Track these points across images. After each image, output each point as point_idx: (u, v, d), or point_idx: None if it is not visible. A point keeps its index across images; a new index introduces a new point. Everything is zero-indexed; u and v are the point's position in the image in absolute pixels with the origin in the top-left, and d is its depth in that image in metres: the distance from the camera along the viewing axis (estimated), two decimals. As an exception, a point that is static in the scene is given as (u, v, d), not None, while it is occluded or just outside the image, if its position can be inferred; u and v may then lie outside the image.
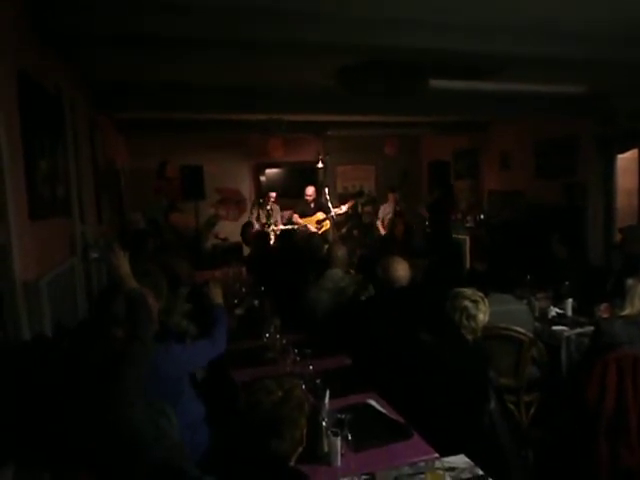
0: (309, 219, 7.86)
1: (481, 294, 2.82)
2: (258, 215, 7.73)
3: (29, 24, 2.81)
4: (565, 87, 5.13)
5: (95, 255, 3.22)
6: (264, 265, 5.49)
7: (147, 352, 2.01)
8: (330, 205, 7.96)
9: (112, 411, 1.76)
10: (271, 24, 3.19)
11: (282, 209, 8.40)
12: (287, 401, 1.71)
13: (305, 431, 1.78)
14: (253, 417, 1.72)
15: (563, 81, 5.00)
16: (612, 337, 2.86)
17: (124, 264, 2.36)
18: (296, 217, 7.91)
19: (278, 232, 7.48)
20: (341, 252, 4.06)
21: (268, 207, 7.72)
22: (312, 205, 7.91)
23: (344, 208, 8.14)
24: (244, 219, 8.31)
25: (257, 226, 7.61)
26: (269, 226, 7.56)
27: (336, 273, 3.97)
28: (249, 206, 8.39)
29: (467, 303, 2.73)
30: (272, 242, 7.26)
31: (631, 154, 6.18)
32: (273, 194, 7.95)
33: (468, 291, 2.81)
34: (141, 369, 1.92)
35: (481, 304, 2.75)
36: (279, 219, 7.91)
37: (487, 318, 2.78)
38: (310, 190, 7.92)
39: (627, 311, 2.98)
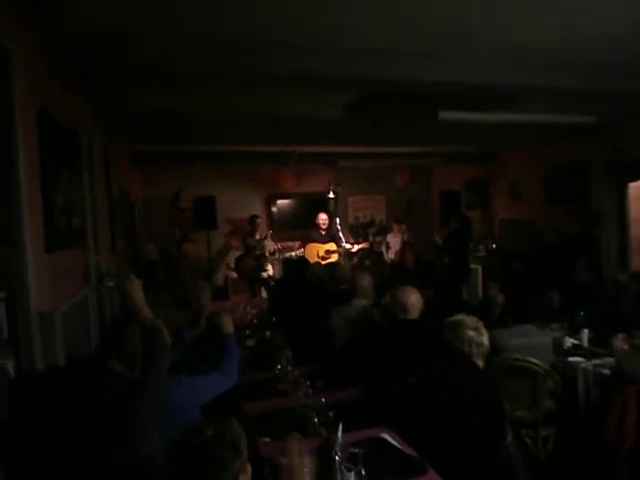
0: (317, 246, 7.82)
1: (476, 319, 2.79)
2: (248, 246, 7.64)
3: (49, 61, 2.90)
4: (575, 117, 5.17)
5: (111, 283, 3.25)
6: (279, 295, 5.47)
7: (162, 384, 2.00)
8: (342, 235, 7.95)
9: (126, 443, 1.75)
10: (284, 57, 3.28)
11: (293, 240, 8.43)
12: (217, 440, 1.47)
13: (243, 477, 1.51)
14: (176, 461, 1.48)
15: (573, 111, 5.05)
16: (635, 376, 2.78)
17: (139, 292, 2.38)
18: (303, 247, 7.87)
19: (278, 260, 7.44)
20: (367, 282, 4.03)
21: (257, 237, 7.65)
22: (324, 233, 7.87)
23: (356, 247, 8.12)
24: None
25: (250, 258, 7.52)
26: (264, 256, 7.51)
27: (361, 303, 3.94)
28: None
29: (470, 332, 2.70)
30: (271, 272, 7.23)
31: (643, 183, 6.17)
32: (259, 220, 7.90)
33: (466, 319, 2.76)
34: (157, 401, 1.90)
35: (482, 329, 2.72)
36: (271, 246, 7.83)
37: (488, 340, 2.74)
38: (323, 216, 7.90)
39: None
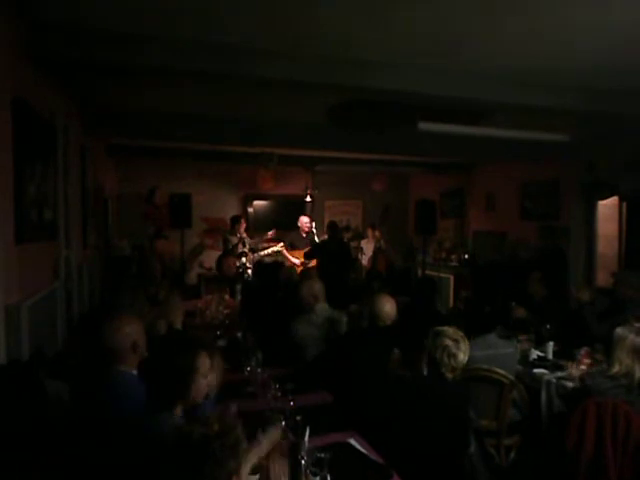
0: (299, 252, 7.79)
1: (462, 334, 2.82)
2: (228, 244, 7.60)
3: (26, 52, 2.85)
4: (549, 135, 5.30)
5: None
6: (252, 296, 5.45)
7: None
8: (317, 240, 7.95)
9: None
10: (268, 62, 3.28)
11: (269, 241, 8.39)
12: (220, 437, 1.50)
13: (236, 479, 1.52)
14: (178, 450, 1.51)
15: (548, 129, 5.17)
16: (596, 389, 2.84)
17: None
18: (281, 246, 7.83)
19: (255, 262, 7.37)
20: (318, 286, 4.05)
21: (239, 235, 7.59)
22: (305, 235, 7.83)
23: None
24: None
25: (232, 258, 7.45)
26: (246, 255, 7.47)
27: (324, 308, 3.97)
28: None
29: (448, 342, 2.73)
30: (251, 273, 7.18)
31: (612, 201, 6.35)
32: (243, 221, 7.77)
33: (450, 330, 2.81)
34: None
35: (462, 343, 2.75)
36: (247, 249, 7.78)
37: (466, 358, 2.78)
38: (305, 219, 7.87)
39: (616, 369, 2.85)
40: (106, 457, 1.92)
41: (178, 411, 1.93)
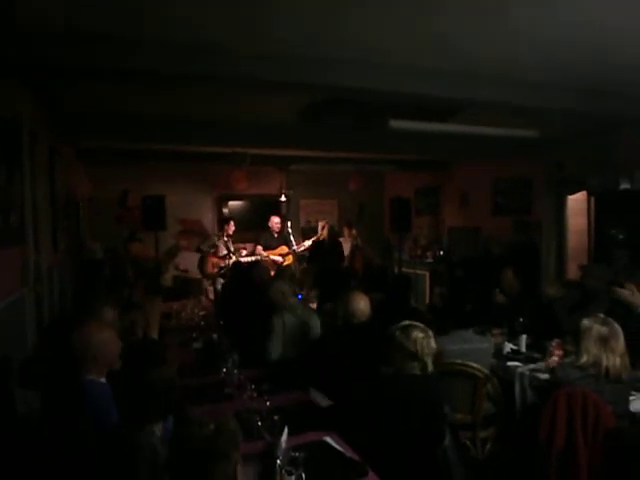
0: (274, 252, 7.81)
1: (423, 325, 2.85)
2: (206, 241, 7.58)
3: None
4: (518, 131, 5.39)
5: None
6: (227, 298, 5.43)
7: None
8: (292, 239, 7.95)
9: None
10: (236, 62, 3.26)
11: (245, 242, 8.37)
12: (220, 434, 1.55)
13: (238, 468, 1.61)
14: (182, 452, 1.55)
15: (517, 125, 5.26)
16: (566, 380, 2.89)
17: None
18: (259, 249, 7.83)
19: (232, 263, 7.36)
20: (281, 292, 4.06)
21: (225, 238, 7.62)
22: (276, 235, 7.86)
23: (307, 244, 8.11)
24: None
25: (215, 259, 7.46)
26: (230, 257, 7.46)
27: (299, 307, 3.98)
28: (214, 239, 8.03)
29: (420, 334, 2.76)
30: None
31: (581, 196, 6.48)
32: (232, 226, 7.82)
33: (415, 323, 2.83)
34: None
35: (429, 332, 2.79)
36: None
37: (435, 345, 2.81)
38: (276, 219, 7.89)
39: (584, 359, 2.89)
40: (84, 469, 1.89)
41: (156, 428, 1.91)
